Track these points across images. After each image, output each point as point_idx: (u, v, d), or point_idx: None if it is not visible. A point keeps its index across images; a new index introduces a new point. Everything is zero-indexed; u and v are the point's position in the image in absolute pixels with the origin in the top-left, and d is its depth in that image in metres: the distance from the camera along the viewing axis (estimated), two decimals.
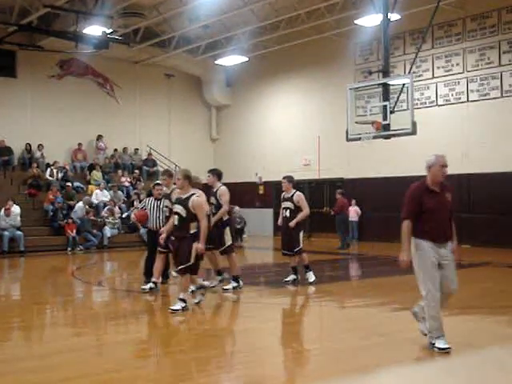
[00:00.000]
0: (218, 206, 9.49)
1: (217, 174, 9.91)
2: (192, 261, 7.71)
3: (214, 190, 9.68)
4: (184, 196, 7.85)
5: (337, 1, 17.60)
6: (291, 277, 10.40)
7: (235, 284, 9.66)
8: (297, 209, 10.20)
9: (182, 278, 7.97)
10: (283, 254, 10.53)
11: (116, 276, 13.96)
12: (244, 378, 5.22)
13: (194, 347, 6.29)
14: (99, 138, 22.45)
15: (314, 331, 7.44)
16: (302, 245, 10.25)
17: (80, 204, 18.33)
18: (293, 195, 10.29)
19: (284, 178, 10.50)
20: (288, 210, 10.28)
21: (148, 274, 9.76)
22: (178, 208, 7.83)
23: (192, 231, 7.71)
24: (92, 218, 18.24)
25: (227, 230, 9.58)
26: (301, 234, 10.26)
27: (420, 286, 5.81)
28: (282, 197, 10.54)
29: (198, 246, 7.62)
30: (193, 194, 7.80)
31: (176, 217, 7.85)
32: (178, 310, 7.77)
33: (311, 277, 10.32)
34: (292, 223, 10.09)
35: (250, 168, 24.18)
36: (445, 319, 7.60)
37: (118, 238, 18.79)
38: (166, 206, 9.23)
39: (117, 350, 6.21)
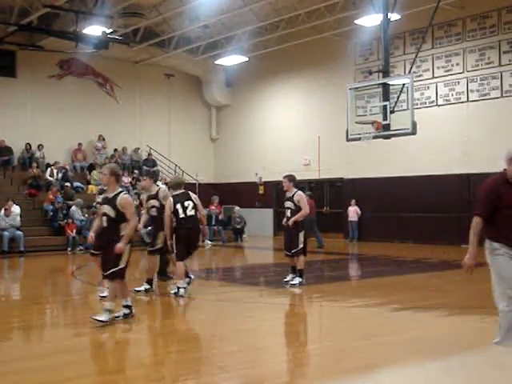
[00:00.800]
0: (161, 208, 9.33)
1: (153, 176, 9.84)
2: (121, 265, 7.07)
3: (153, 192, 9.59)
4: (111, 195, 7.20)
5: (337, 1, 17.59)
6: (291, 276, 10.37)
7: (147, 287, 9.45)
8: (298, 208, 10.00)
9: (111, 284, 7.23)
10: (285, 254, 10.42)
11: None
12: (244, 378, 5.21)
13: (193, 347, 6.30)
14: (100, 137, 22.47)
15: (313, 331, 7.44)
16: (301, 246, 10.04)
17: (73, 208, 18.33)
18: (294, 195, 10.10)
19: (285, 177, 10.29)
20: (289, 210, 10.10)
21: (162, 272, 10.34)
22: (106, 208, 7.17)
23: (122, 233, 7.03)
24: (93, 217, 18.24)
25: (161, 234, 9.37)
26: (301, 235, 10.04)
27: (494, 297, 5.33)
28: (285, 197, 10.43)
29: (119, 245, 6.93)
30: (120, 192, 7.21)
31: (104, 218, 7.18)
32: (103, 320, 6.95)
33: (296, 280, 10.08)
34: (290, 221, 9.95)
35: (250, 168, 24.18)
36: (444, 319, 7.63)
37: None
38: (98, 203, 8.55)
39: (117, 350, 6.21)
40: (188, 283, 9.22)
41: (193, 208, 9.02)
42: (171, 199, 8.95)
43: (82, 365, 5.54)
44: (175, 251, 8.97)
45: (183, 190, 9.20)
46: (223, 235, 20.75)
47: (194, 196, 9.26)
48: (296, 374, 5.43)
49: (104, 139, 22.60)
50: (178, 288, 8.97)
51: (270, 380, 5.18)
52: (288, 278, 10.31)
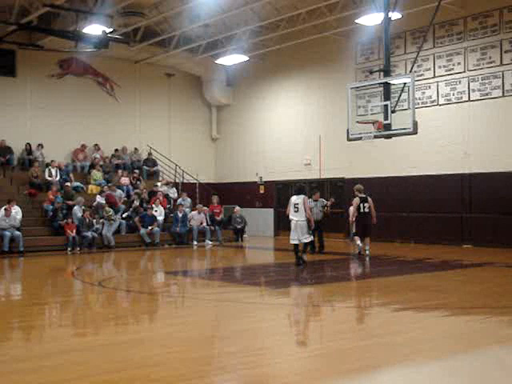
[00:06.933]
0: None
1: None
2: None
3: None
4: None
5: (337, 0, 17.56)
6: None
7: None
8: None
9: None
10: None
11: (116, 276, 13.92)
12: (244, 378, 5.19)
13: (194, 347, 6.26)
14: (95, 147, 22.20)
15: (314, 331, 7.40)
16: None
17: (76, 208, 18.30)
18: None
19: None
20: None
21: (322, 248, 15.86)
22: None
23: None
24: (89, 218, 18.15)
25: None
26: None
27: None
28: None
29: None
30: None
31: None
32: None
33: None
34: None
35: (250, 168, 24.15)
36: (445, 320, 7.61)
37: (119, 238, 18.75)
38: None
39: (117, 350, 6.18)
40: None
41: (368, 208, 14.61)
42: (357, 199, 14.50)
43: (82, 365, 5.50)
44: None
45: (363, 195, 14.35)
46: (219, 235, 20.46)
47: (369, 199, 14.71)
48: (297, 374, 5.40)
49: (100, 148, 22.31)
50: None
51: (271, 381, 5.15)
52: None
